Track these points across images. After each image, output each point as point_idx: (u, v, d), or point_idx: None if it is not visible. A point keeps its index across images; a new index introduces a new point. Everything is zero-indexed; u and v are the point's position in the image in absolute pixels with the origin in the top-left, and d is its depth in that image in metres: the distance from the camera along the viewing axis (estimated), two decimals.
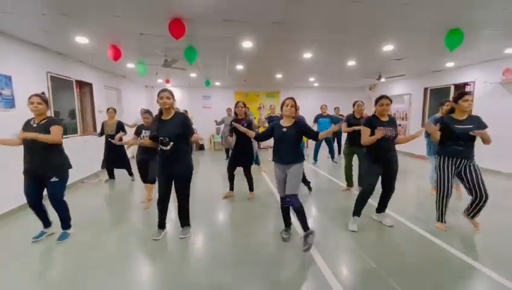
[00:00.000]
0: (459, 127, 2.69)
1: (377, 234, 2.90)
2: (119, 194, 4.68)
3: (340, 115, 7.52)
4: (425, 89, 7.64)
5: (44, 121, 2.59)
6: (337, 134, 7.73)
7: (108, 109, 5.06)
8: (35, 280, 2.16)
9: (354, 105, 4.29)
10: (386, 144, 2.82)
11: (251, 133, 2.88)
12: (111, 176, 5.34)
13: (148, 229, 3.06)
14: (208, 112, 9.85)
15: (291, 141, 2.58)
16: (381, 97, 2.86)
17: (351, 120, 4.21)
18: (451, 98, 6.52)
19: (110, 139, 4.53)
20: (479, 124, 2.69)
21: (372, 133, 2.79)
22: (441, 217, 2.95)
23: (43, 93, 2.68)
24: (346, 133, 4.30)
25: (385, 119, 2.87)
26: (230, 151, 7.45)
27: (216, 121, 7.71)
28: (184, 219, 2.90)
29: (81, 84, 5.63)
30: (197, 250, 2.66)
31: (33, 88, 4.07)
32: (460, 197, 3.90)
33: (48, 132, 2.51)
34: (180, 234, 2.84)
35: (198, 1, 2.68)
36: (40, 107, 2.53)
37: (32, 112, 2.56)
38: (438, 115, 3.95)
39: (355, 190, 4.37)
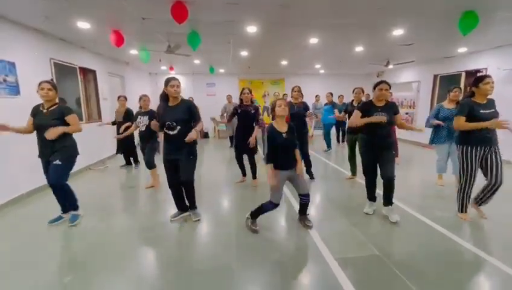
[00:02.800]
0: (484, 112, 2.55)
1: (381, 222, 2.89)
2: (126, 180, 4.74)
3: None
4: (435, 76, 7.41)
5: (54, 107, 2.63)
6: (342, 123, 7.61)
7: (119, 97, 5.17)
8: (45, 263, 2.23)
9: (353, 92, 4.29)
10: (379, 131, 2.76)
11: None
12: (127, 161, 5.48)
13: (153, 213, 3.12)
14: (212, 100, 9.79)
15: (292, 146, 2.59)
16: (380, 82, 2.77)
17: (349, 108, 4.23)
18: (461, 85, 6.41)
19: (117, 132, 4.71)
20: (495, 108, 2.63)
21: (364, 117, 2.80)
22: (464, 208, 2.86)
23: (51, 80, 2.70)
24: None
25: (381, 104, 2.79)
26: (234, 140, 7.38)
27: (223, 115, 7.42)
28: (191, 202, 2.95)
29: (85, 71, 5.61)
30: (201, 234, 2.70)
31: (37, 75, 4.07)
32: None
33: (60, 119, 2.59)
34: (192, 217, 2.93)
35: None
36: (50, 94, 2.57)
37: (41, 98, 2.58)
38: (445, 103, 3.83)
39: (360, 179, 4.34)
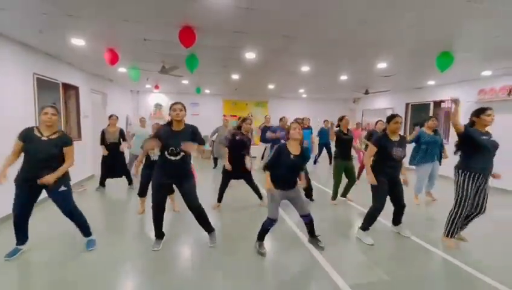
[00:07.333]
0: (485, 138, 2.67)
1: (379, 245, 2.96)
2: (109, 203, 4.40)
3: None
4: (407, 105, 8.14)
5: (56, 136, 2.48)
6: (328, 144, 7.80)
7: (111, 116, 4.87)
8: None
9: (341, 120, 4.20)
10: (395, 164, 2.91)
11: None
12: (102, 184, 5.02)
13: (139, 239, 2.91)
14: (196, 119, 9.67)
15: (297, 169, 2.67)
16: (395, 116, 2.91)
17: (341, 135, 4.17)
18: (430, 113, 7.10)
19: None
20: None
21: (380, 151, 2.89)
22: (451, 234, 2.85)
23: (54, 104, 2.57)
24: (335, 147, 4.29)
25: (396, 138, 2.91)
26: (218, 161, 7.23)
27: (213, 139, 7.27)
28: (207, 225, 2.84)
29: (67, 87, 5.29)
30: (188, 258, 2.66)
31: (18, 90, 3.78)
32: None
33: (59, 148, 2.47)
34: (209, 242, 2.82)
35: (215, 11, 2.66)
36: (53, 119, 2.45)
37: (43, 123, 2.43)
38: (425, 129, 4.25)
39: (344, 202, 4.49)
